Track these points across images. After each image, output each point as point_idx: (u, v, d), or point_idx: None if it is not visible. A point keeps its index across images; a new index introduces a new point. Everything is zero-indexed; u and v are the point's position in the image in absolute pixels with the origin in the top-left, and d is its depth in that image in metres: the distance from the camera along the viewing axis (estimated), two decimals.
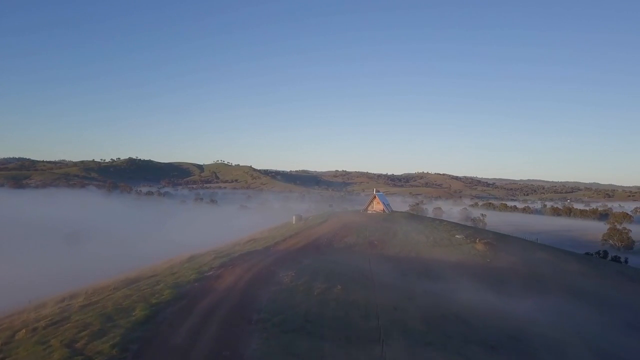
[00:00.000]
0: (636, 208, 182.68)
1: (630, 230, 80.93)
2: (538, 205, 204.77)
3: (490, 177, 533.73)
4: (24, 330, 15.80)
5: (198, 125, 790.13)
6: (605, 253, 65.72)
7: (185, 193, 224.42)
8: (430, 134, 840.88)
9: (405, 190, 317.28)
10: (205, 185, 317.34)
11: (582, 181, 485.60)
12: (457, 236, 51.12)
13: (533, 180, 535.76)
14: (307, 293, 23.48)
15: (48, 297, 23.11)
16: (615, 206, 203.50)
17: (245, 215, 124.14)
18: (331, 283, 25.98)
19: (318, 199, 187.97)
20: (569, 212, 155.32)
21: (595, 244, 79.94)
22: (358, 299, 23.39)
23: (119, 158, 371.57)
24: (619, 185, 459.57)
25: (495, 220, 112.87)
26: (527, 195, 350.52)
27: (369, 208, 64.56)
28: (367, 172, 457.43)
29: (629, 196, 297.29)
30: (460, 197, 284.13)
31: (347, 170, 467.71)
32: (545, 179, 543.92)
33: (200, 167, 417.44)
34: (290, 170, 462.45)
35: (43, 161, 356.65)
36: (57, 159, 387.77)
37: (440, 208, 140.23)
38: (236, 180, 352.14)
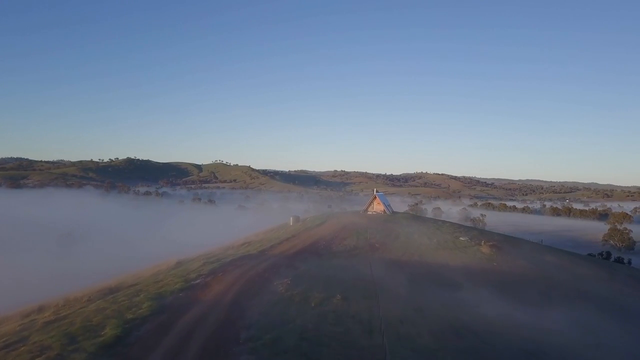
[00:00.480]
0: (635, 208, 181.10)
1: (631, 231, 79.30)
2: (537, 205, 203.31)
3: (488, 177, 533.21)
4: None
5: (196, 125, 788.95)
6: (609, 254, 64.09)
7: (184, 193, 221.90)
8: (429, 133, 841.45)
9: (404, 190, 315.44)
10: (203, 185, 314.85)
11: (580, 181, 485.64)
12: (462, 238, 48.96)
13: (532, 180, 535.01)
14: (304, 304, 21.25)
15: (15, 309, 20.80)
16: (615, 206, 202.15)
17: (243, 215, 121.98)
18: (330, 292, 23.76)
19: (317, 199, 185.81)
20: (569, 212, 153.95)
21: (595, 244, 78.44)
22: (360, 311, 21.16)
23: (117, 158, 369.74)
24: (618, 185, 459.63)
25: (495, 220, 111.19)
26: (526, 195, 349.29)
27: (369, 209, 62.32)
28: (366, 172, 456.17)
29: (628, 196, 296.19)
30: (459, 197, 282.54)
31: (346, 170, 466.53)
32: (544, 179, 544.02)
33: (199, 167, 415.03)
34: (289, 170, 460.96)
35: (41, 161, 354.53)
36: (55, 159, 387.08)
37: (439, 208, 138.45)
38: (235, 180, 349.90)
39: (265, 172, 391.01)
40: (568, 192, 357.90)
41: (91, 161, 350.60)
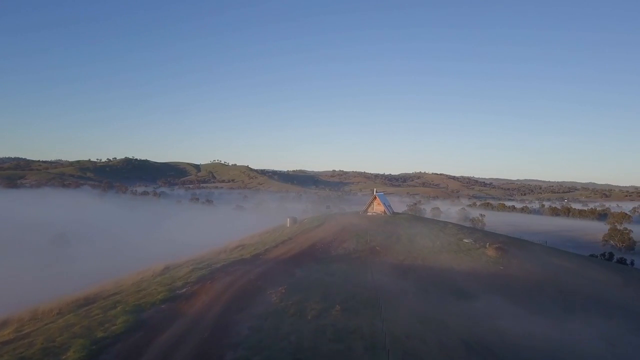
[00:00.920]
0: (634, 208, 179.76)
1: (632, 231, 77.81)
2: (536, 205, 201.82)
3: (487, 176, 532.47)
4: None
5: (195, 125, 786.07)
6: (611, 255, 62.35)
7: (182, 193, 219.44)
8: (428, 133, 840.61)
9: (403, 190, 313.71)
10: (201, 185, 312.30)
11: (579, 181, 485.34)
12: (465, 240, 47.03)
13: (530, 180, 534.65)
14: (299, 317, 19.20)
15: None
16: (613, 206, 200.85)
17: (240, 216, 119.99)
18: (328, 302, 21.72)
19: (315, 199, 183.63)
20: (568, 212, 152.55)
21: (596, 245, 77.02)
22: (361, 324, 19.12)
23: (115, 158, 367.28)
24: (616, 185, 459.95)
25: (494, 220, 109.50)
26: (525, 195, 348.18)
27: (369, 209, 60.29)
28: (365, 172, 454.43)
29: (626, 196, 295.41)
30: (458, 197, 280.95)
31: (344, 170, 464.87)
32: (542, 179, 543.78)
33: (197, 167, 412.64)
34: (287, 170, 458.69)
35: (39, 161, 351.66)
36: (53, 159, 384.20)
37: (438, 208, 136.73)
38: (233, 180, 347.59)
39: (263, 172, 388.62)
40: (566, 192, 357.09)
41: (89, 161, 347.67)
